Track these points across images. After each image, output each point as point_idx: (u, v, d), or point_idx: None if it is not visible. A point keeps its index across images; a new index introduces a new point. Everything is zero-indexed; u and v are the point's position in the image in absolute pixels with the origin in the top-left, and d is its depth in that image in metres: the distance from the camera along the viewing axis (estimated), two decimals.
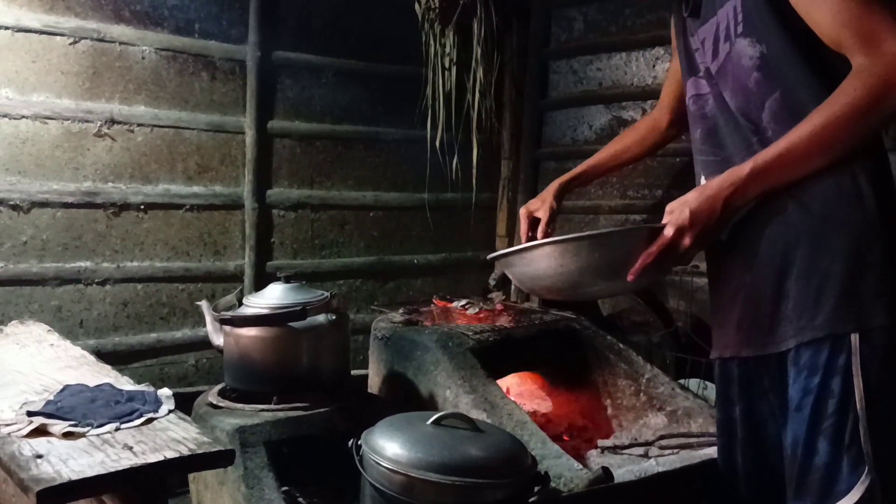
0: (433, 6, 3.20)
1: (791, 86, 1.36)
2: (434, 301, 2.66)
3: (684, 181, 2.91)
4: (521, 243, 1.82)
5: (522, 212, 1.95)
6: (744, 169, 1.33)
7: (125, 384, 1.65)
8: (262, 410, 1.84)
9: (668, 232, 1.36)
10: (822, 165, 1.31)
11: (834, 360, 1.31)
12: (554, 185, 1.99)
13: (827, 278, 1.32)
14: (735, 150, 1.44)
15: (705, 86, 1.52)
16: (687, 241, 1.35)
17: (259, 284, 2.87)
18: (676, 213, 1.36)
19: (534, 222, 1.93)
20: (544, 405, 2.40)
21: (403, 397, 2.13)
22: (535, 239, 1.97)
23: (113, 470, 1.20)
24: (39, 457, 1.24)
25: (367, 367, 2.37)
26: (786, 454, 1.39)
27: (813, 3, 1.29)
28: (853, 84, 1.25)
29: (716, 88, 1.48)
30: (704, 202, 1.34)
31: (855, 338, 1.29)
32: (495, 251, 3.78)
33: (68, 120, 2.61)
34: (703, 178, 1.54)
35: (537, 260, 1.48)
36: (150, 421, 1.43)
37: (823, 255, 1.33)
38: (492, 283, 3.07)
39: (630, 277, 1.40)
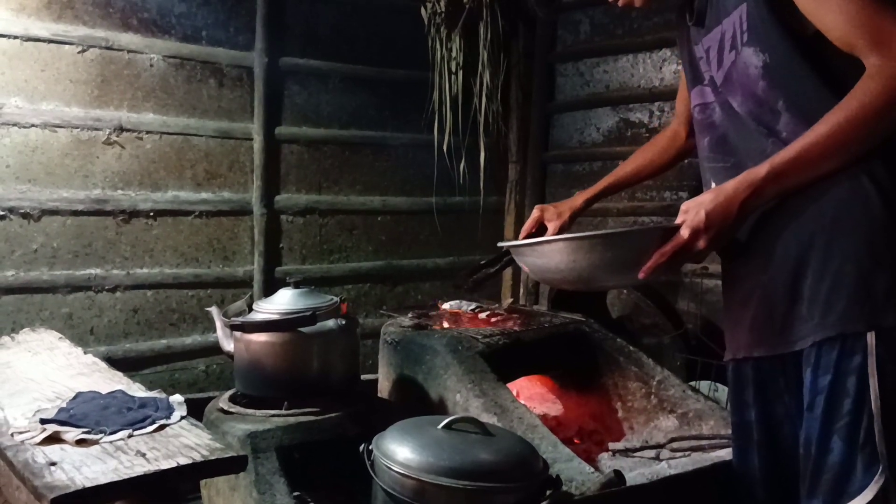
0: (439, 10, 3.20)
1: (795, 92, 1.36)
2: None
3: (692, 184, 2.91)
4: (522, 236, 1.91)
5: (536, 213, 1.93)
6: (760, 171, 1.33)
7: (137, 391, 1.66)
8: (273, 416, 1.84)
9: (684, 233, 1.36)
10: (839, 166, 1.31)
11: (847, 359, 1.30)
12: (577, 203, 1.94)
13: (839, 278, 1.32)
14: (747, 156, 1.44)
15: (710, 94, 1.52)
16: (702, 243, 1.35)
17: (268, 290, 2.88)
18: (692, 213, 1.36)
19: (541, 227, 1.93)
20: (555, 408, 2.39)
21: (414, 402, 2.12)
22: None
23: (126, 477, 1.21)
24: (53, 464, 1.25)
25: (376, 372, 2.37)
26: (800, 453, 1.39)
27: (823, 7, 1.29)
28: (868, 84, 1.25)
29: (721, 97, 1.48)
30: (720, 204, 1.34)
31: (871, 337, 1.29)
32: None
33: (77, 128, 2.62)
34: (712, 184, 1.54)
35: (549, 254, 1.50)
36: (162, 427, 1.44)
37: (836, 255, 1.33)
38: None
39: (641, 275, 1.40)
